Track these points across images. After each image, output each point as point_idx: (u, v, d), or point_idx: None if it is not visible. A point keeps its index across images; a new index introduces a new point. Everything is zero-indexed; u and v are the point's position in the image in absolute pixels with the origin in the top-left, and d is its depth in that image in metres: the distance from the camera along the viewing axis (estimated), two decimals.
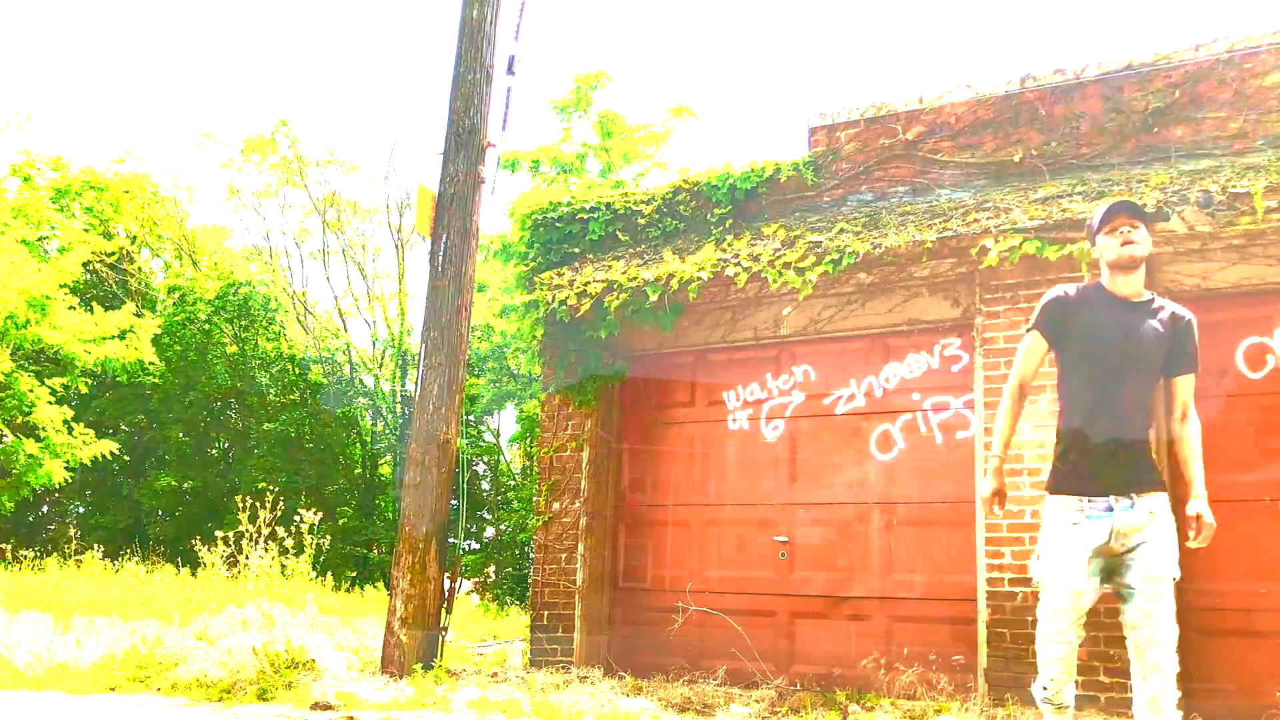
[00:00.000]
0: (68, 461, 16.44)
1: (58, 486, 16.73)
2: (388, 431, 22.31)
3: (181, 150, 44.58)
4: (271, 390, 22.43)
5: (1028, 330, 3.89)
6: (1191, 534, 3.64)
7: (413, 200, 21.15)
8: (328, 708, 5.48)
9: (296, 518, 9.94)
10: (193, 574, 12.30)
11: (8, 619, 8.47)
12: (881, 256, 6.27)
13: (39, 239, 20.20)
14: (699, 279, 6.75)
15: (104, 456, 17.25)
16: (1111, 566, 3.65)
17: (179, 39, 44.38)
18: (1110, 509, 3.62)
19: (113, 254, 22.54)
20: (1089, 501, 3.65)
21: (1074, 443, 3.72)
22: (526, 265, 7.93)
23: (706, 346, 7.37)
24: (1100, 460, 3.66)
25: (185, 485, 21.38)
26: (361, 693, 5.76)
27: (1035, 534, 5.80)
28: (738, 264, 6.71)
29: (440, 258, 6.99)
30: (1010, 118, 6.81)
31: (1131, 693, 3.64)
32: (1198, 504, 3.65)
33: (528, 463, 19.40)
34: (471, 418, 20.23)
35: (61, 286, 17.11)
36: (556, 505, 7.48)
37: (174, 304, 22.87)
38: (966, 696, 5.86)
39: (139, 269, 24.31)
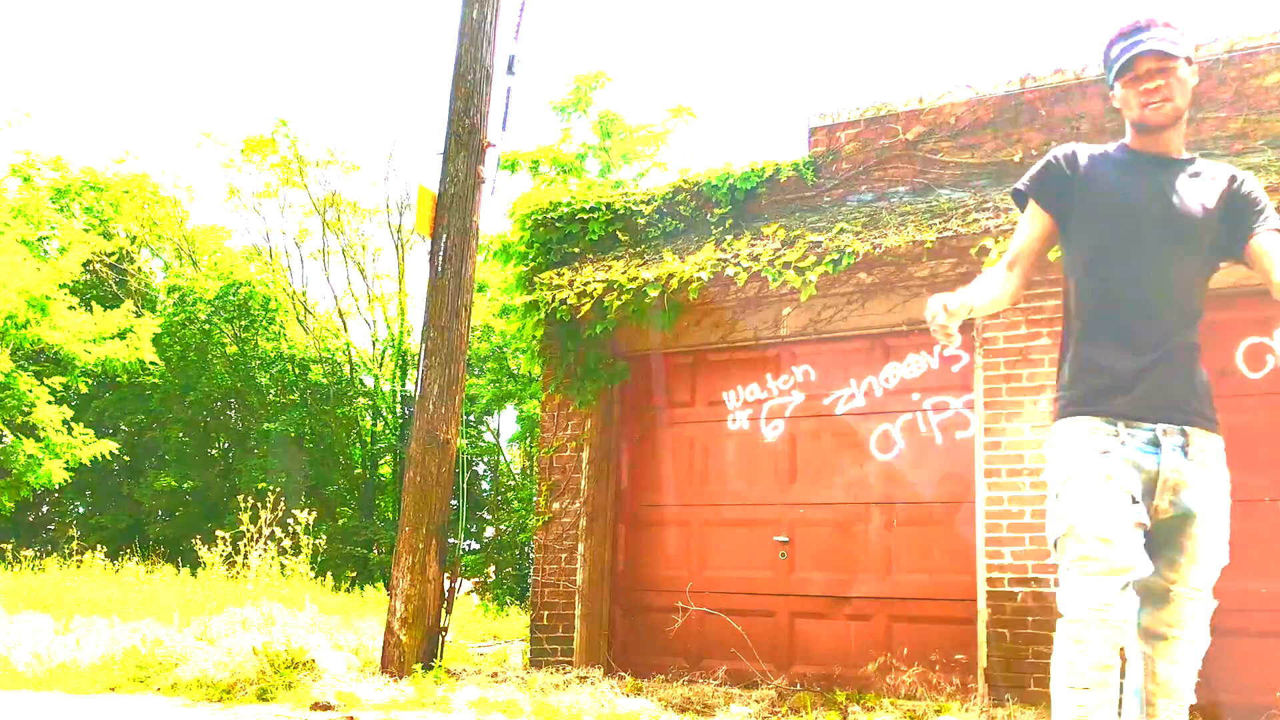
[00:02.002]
0: (67, 461, 16.44)
1: (58, 486, 16.74)
2: (388, 431, 22.31)
3: (181, 150, 44.60)
4: (271, 390, 22.45)
5: (1015, 194, 2.91)
6: None
7: (413, 200, 21.14)
8: (328, 708, 5.48)
9: (291, 519, 9.95)
10: (193, 574, 12.30)
11: (8, 619, 8.47)
12: (881, 256, 6.27)
13: (39, 239, 20.22)
14: (699, 279, 6.75)
15: (104, 456, 17.25)
16: (1152, 540, 2.56)
17: (179, 39, 44.39)
18: (1157, 444, 2.56)
19: (113, 254, 22.56)
20: (1126, 427, 2.56)
21: (1097, 348, 2.65)
22: (526, 265, 7.93)
23: (706, 346, 7.37)
24: (1140, 371, 2.59)
25: (185, 485, 21.39)
26: (361, 693, 5.76)
27: (1036, 534, 5.82)
28: (738, 264, 6.71)
29: (440, 258, 6.99)
30: (1010, 118, 6.81)
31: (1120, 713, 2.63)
32: None
33: (528, 463, 19.41)
34: (471, 418, 20.24)
35: (61, 286, 17.12)
36: (556, 505, 7.48)
37: (174, 304, 22.88)
38: (966, 696, 5.86)
39: (139, 269, 24.32)
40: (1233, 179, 2.75)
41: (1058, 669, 2.61)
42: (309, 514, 10.20)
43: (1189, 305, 2.67)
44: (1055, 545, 2.66)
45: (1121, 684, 2.64)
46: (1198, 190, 2.71)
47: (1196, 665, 2.63)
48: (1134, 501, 2.51)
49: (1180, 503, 2.56)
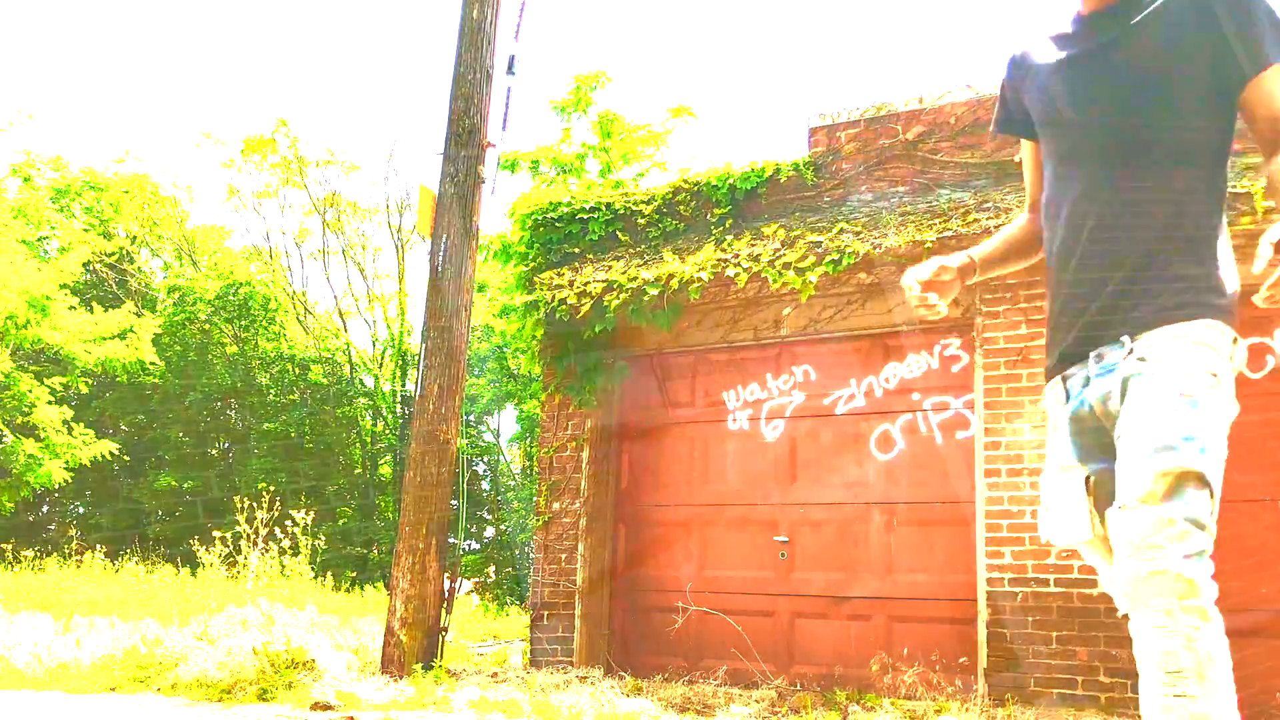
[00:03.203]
0: (67, 461, 16.44)
1: (58, 486, 16.74)
2: (388, 431, 22.30)
3: (181, 150, 44.62)
4: (271, 390, 22.45)
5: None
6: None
7: (413, 200, 21.16)
8: (328, 708, 5.48)
9: (289, 520, 9.97)
10: (193, 574, 12.31)
11: (8, 619, 8.47)
12: (881, 256, 6.27)
13: (39, 239, 20.23)
14: (699, 279, 6.75)
15: (104, 456, 17.25)
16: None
17: (179, 39, 44.40)
18: (1088, 375, 2.11)
19: (113, 254, 22.57)
20: (1081, 368, 2.12)
21: (1058, 299, 2.19)
22: (526, 265, 7.93)
23: (706, 346, 7.37)
24: (1086, 299, 2.11)
25: (185, 485, 21.39)
26: (361, 693, 5.76)
27: (1035, 534, 5.82)
28: (738, 264, 6.71)
29: (440, 258, 6.99)
30: None
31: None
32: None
33: (528, 463, 19.40)
34: (471, 418, 20.23)
35: (61, 286, 17.12)
36: (556, 505, 7.48)
37: (174, 304, 22.89)
38: (967, 696, 5.86)
39: (139, 269, 24.33)
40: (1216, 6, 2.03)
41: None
42: (307, 514, 10.20)
43: (1162, 199, 2.06)
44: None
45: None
46: (1155, 31, 2.06)
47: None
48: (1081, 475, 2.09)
49: (1113, 406, 2.03)
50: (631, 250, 7.67)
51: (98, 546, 15.19)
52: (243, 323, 22.63)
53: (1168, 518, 1.83)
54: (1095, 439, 2.09)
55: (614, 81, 14.58)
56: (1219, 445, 1.94)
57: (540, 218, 8.01)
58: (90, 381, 19.29)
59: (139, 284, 23.64)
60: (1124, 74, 2.10)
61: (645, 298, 6.91)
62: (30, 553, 14.84)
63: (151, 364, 19.26)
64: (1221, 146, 2.10)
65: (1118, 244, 2.08)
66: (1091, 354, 2.09)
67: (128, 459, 20.77)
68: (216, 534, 10.24)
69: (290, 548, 10.01)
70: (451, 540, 7.20)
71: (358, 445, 22.73)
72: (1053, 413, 2.20)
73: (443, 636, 6.72)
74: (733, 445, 7.24)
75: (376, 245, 24.41)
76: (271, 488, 13.29)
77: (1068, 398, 2.15)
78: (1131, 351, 2.01)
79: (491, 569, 17.67)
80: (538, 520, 7.58)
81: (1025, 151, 2.40)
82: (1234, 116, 2.10)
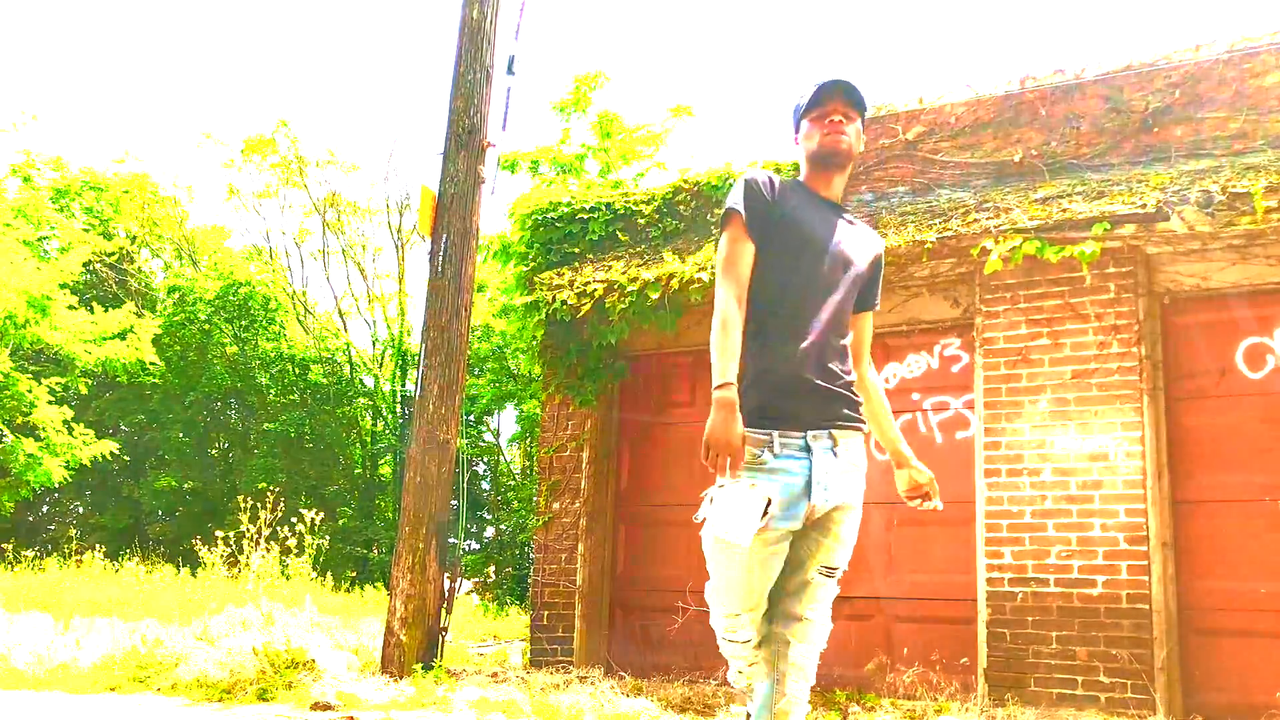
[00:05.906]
0: (67, 461, 16.43)
1: (57, 486, 16.73)
2: (388, 431, 22.30)
3: (181, 150, 44.63)
4: (271, 390, 22.43)
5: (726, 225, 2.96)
6: (924, 502, 3.33)
7: (413, 200, 21.16)
8: (328, 708, 5.49)
9: (295, 518, 9.95)
10: (193, 574, 12.30)
11: (8, 619, 8.47)
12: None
13: (39, 239, 20.19)
14: (700, 279, 6.75)
15: (104, 456, 17.23)
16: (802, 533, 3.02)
17: (179, 39, 44.41)
18: (808, 448, 2.91)
19: (113, 254, 22.55)
20: (780, 436, 2.86)
21: (783, 361, 2.93)
22: (526, 265, 7.93)
23: (707, 347, 7.35)
24: (812, 387, 2.89)
25: (185, 485, 21.39)
26: (361, 693, 5.76)
27: (1035, 534, 5.83)
28: None
29: (440, 258, 6.99)
30: (1010, 118, 6.81)
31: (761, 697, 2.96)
32: (919, 464, 3.26)
33: (528, 463, 19.39)
34: (471, 418, 20.22)
35: (61, 286, 17.10)
36: (556, 505, 7.48)
37: (174, 304, 22.88)
38: (966, 696, 5.86)
39: (139, 269, 24.33)
40: (876, 244, 3.10)
41: None
42: (316, 514, 10.18)
43: (846, 333, 3.01)
44: None
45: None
46: (862, 240, 3.05)
47: (822, 646, 3.00)
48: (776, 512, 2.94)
49: (829, 499, 3.23)
50: (631, 250, 7.67)
51: (98, 546, 15.18)
52: (243, 323, 22.62)
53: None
54: (796, 497, 2.93)
55: (613, 81, 14.58)
56: None
57: (540, 218, 8.01)
58: (90, 381, 19.27)
59: (139, 284, 23.64)
60: (854, 243, 3.01)
61: (646, 300, 6.91)
62: (30, 553, 14.84)
63: (151, 364, 19.23)
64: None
65: (840, 345, 2.94)
66: (830, 433, 2.96)
67: (128, 459, 20.77)
68: (218, 534, 10.22)
69: (295, 547, 10.00)
70: (451, 540, 7.20)
71: (358, 445, 22.72)
72: (783, 451, 2.85)
73: (443, 636, 6.72)
74: None
75: (376, 245, 24.40)
76: (272, 488, 13.27)
77: (808, 452, 2.90)
78: (850, 455, 3.12)
79: (491, 569, 17.66)
80: (538, 520, 7.58)
81: (746, 245, 2.95)
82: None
